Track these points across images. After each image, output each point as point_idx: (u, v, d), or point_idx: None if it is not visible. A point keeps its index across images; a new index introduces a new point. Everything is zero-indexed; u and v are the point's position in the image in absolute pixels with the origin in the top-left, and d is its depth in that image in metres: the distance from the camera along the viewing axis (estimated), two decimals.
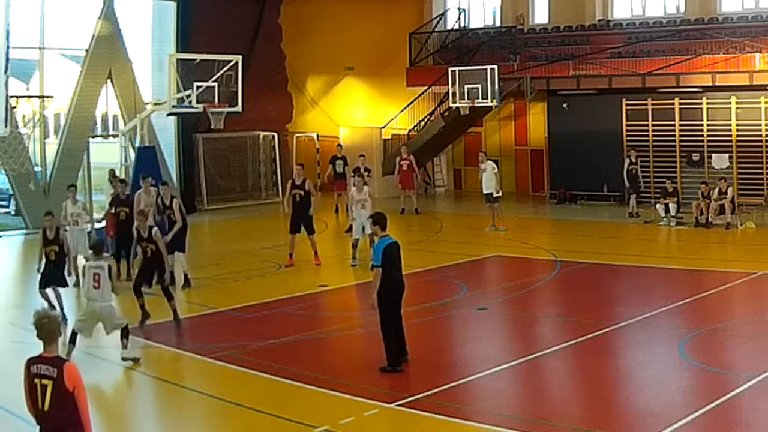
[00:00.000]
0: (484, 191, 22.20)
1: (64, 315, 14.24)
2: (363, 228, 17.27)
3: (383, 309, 10.79)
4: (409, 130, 29.97)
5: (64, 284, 14.35)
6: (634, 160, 23.97)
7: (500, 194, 22.38)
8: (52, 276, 14.18)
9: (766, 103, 24.07)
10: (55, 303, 14.24)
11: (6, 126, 13.61)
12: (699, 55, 24.56)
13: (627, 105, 26.38)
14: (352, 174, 23.08)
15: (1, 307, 15.06)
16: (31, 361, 6.46)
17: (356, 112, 32.73)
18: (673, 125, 25.66)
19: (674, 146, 25.65)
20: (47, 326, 6.44)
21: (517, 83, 27.24)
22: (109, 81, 25.39)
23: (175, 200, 16.14)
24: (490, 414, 9.36)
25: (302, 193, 17.56)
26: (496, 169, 22.55)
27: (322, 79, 32.49)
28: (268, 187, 30.21)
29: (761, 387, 9.68)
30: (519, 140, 30.22)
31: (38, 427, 6.48)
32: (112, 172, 20.06)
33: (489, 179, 22.16)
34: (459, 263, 17.97)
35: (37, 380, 6.36)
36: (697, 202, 21.97)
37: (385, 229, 11.13)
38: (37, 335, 6.48)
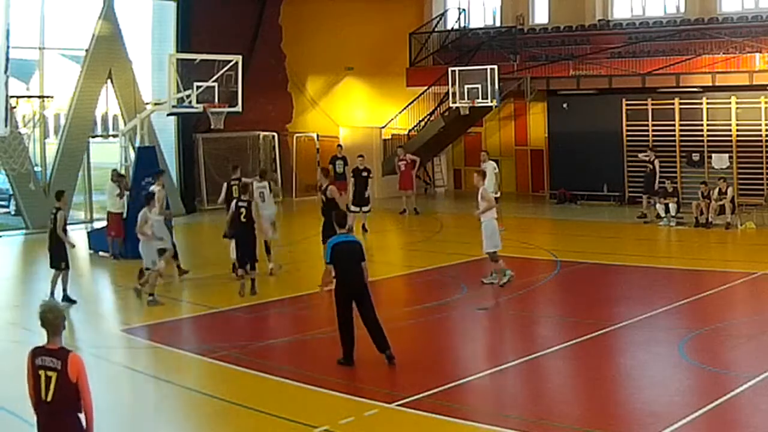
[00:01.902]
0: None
1: (68, 297, 14.68)
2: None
3: (337, 305, 11.00)
4: (409, 130, 29.98)
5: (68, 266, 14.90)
6: (652, 159, 23.72)
7: (498, 194, 22.36)
8: (66, 256, 14.75)
9: (766, 103, 24.08)
10: (59, 288, 14.68)
11: (6, 126, 13.59)
12: (699, 55, 24.56)
13: (627, 105, 26.38)
14: (352, 175, 23.08)
15: (1, 307, 15.07)
16: (36, 352, 6.50)
17: (356, 112, 32.73)
18: (673, 125, 25.66)
19: (674, 146, 25.65)
20: (52, 321, 6.48)
21: (517, 83, 27.24)
22: (109, 81, 25.38)
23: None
24: (490, 414, 9.36)
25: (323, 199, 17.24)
26: (497, 169, 22.55)
27: (322, 79, 32.48)
28: None
29: (761, 387, 9.68)
30: (519, 140, 30.23)
31: (36, 415, 6.51)
32: (115, 172, 20.07)
33: (489, 179, 22.15)
34: (459, 263, 17.97)
35: (41, 372, 6.41)
36: (697, 202, 21.97)
37: (343, 227, 11.33)
38: (42, 325, 6.51)
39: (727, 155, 24.69)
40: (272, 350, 12.07)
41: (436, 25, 31.99)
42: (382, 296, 16.09)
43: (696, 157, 25.26)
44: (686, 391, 9.98)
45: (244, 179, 17.14)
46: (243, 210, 15.28)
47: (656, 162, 23.66)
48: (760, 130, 24.22)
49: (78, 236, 22.11)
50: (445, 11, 32.56)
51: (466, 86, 26.17)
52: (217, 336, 12.99)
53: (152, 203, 15.38)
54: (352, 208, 22.34)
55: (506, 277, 15.23)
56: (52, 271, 14.78)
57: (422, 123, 29.59)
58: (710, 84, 24.27)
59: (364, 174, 22.71)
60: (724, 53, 24.27)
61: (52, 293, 14.62)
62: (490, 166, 22.48)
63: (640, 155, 24.18)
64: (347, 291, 10.95)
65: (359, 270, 10.95)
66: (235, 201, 15.65)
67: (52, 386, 6.39)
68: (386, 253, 19.46)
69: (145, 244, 15.05)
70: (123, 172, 20.66)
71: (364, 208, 22.18)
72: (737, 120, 24.64)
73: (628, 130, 26.42)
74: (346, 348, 10.98)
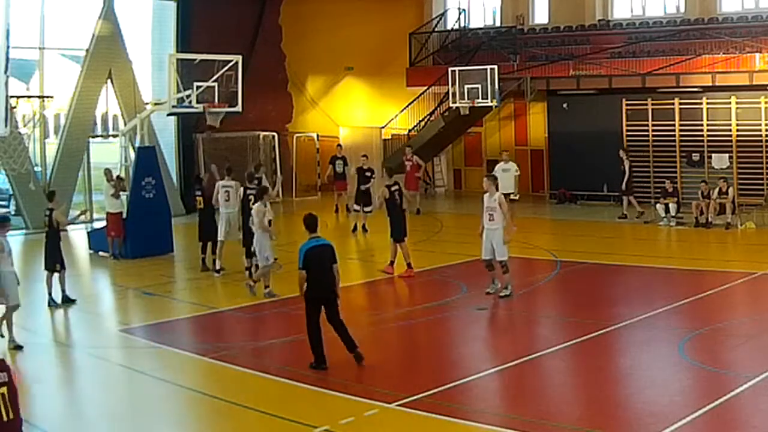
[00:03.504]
0: (503, 191, 22.26)
1: (67, 297, 14.74)
2: (492, 246, 14.61)
3: (307, 308, 10.95)
4: (409, 130, 29.98)
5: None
6: (622, 158, 23.96)
7: (517, 197, 22.65)
8: (61, 258, 14.83)
9: (766, 103, 24.07)
10: (57, 288, 14.74)
11: (6, 126, 13.58)
12: (699, 55, 24.56)
13: (627, 105, 26.38)
14: (355, 174, 23.10)
15: (0, 307, 15.05)
16: None
17: (356, 112, 32.74)
18: (673, 125, 25.66)
19: (674, 146, 25.65)
20: None
21: (517, 83, 27.25)
22: (109, 81, 25.40)
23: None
24: (490, 414, 9.37)
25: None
26: (519, 171, 22.82)
27: (322, 79, 32.49)
28: None
29: (761, 387, 9.68)
30: (519, 140, 30.22)
31: None
32: (109, 172, 20.07)
33: (510, 179, 22.34)
34: (459, 263, 17.96)
35: None
36: (697, 202, 21.98)
37: (314, 230, 11.19)
38: None
39: (727, 155, 24.68)
40: (272, 350, 12.07)
41: (436, 25, 31.98)
42: (383, 296, 16.14)
43: (696, 157, 25.26)
44: (686, 391, 9.98)
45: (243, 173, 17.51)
46: (251, 198, 16.12)
47: (627, 162, 23.83)
48: (760, 130, 24.21)
49: (78, 236, 22.18)
50: (445, 11, 32.55)
51: (466, 86, 26.20)
52: (217, 336, 12.99)
53: (265, 197, 15.17)
54: (355, 207, 22.38)
55: (495, 287, 14.81)
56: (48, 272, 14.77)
57: (422, 123, 29.59)
58: (710, 84, 24.26)
59: (368, 174, 22.78)
60: (724, 53, 24.27)
61: (50, 294, 14.63)
62: (512, 167, 22.63)
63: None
64: (319, 295, 10.92)
65: (331, 274, 10.96)
66: (243, 189, 16.49)
67: (8, 402, 6.11)
68: (386, 253, 19.44)
69: (260, 238, 14.83)
70: (123, 172, 20.67)
71: (366, 208, 22.21)
72: (737, 120, 24.63)
73: (628, 130, 26.41)
74: (317, 352, 10.92)
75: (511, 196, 22.15)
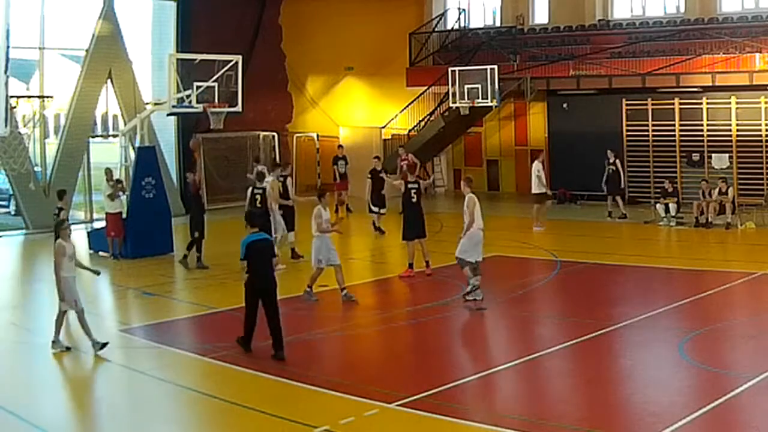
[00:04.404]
0: (539, 191, 22.52)
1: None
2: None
3: (246, 298, 11.54)
4: (409, 130, 29.97)
5: None
6: (612, 160, 23.98)
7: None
8: None
9: (766, 103, 24.07)
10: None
11: (6, 126, 13.62)
12: (699, 55, 24.56)
13: (627, 105, 26.38)
14: (370, 177, 23.10)
15: (1, 307, 15.08)
16: None
17: (356, 112, 32.74)
18: (673, 125, 25.66)
19: (674, 146, 25.65)
20: None
21: (517, 83, 27.24)
22: (109, 81, 25.40)
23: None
24: (490, 414, 9.37)
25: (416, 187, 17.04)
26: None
27: (322, 79, 32.49)
28: None
29: (761, 387, 9.68)
30: (519, 140, 30.22)
31: None
32: (109, 172, 20.07)
33: (541, 179, 22.55)
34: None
35: None
36: (698, 202, 21.98)
37: (254, 226, 11.78)
38: None
39: (727, 155, 24.69)
40: (272, 350, 12.05)
41: (436, 25, 31.98)
42: (383, 296, 16.14)
43: (696, 157, 25.26)
44: (686, 391, 9.99)
45: (258, 168, 17.77)
46: (258, 196, 16.57)
47: (618, 162, 23.92)
48: (760, 130, 24.20)
49: (78, 236, 22.16)
50: (445, 11, 32.55)
51: (466, 86, 26.20)
52: (217, 336, 12.99)
53: (323, 200, 14.78)
54: (373, 209, 22.36)
55: (471, 288, 14.29)
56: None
57: (422, 123, 29.58)
58: (710, 84, 24.26)
59: (381, 175, 22.80)
60: (724, 53, 24.26)
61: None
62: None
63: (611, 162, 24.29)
64: (259, 285, 11.43)
65: (270, 268, 11.62)
66: (251, 188, 16.84)
67: None
68: (386, 253, 19.47)
69: (318, 241, 14.50)
70: (123, 171, 20.66)
71: (382, 210, 22.21)
72: (737, 120, 24.63)
73: (628, 130, 26.42)
74: (248, 335, 11.58)
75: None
